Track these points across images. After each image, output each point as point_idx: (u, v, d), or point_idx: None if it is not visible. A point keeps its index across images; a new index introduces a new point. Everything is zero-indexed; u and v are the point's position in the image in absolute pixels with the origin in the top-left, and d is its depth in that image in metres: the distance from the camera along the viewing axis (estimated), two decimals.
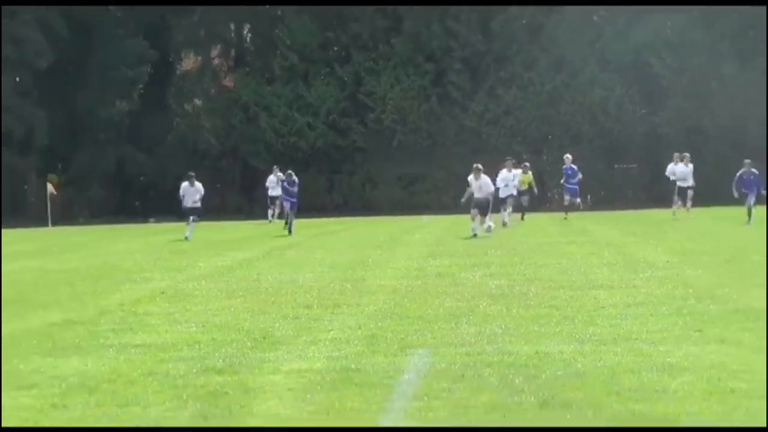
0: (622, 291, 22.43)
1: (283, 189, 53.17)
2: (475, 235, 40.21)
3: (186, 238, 46.02)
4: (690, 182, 54.18)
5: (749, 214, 46.07)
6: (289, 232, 48.92)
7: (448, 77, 78.39)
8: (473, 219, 41.58)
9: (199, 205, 49.11)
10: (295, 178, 51.79)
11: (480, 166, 42.62)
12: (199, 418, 11.60)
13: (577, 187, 58.02)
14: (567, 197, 58.31)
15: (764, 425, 7.42)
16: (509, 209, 50.99)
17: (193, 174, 50.46)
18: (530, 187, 56.84)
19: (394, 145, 77.77)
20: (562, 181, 60.30)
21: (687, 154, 55.47)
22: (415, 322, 18.53)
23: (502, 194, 49.92)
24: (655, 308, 19.51)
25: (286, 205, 51.65)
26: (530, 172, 57.31)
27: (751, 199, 47.75)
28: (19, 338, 17.96)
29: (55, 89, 79.76)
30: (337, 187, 77.63)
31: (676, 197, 54.33)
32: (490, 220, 42.11)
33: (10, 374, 14.49)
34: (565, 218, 54.71)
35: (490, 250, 34.21)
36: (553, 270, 27.53)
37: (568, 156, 59.53)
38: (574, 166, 58.25)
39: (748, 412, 11.15)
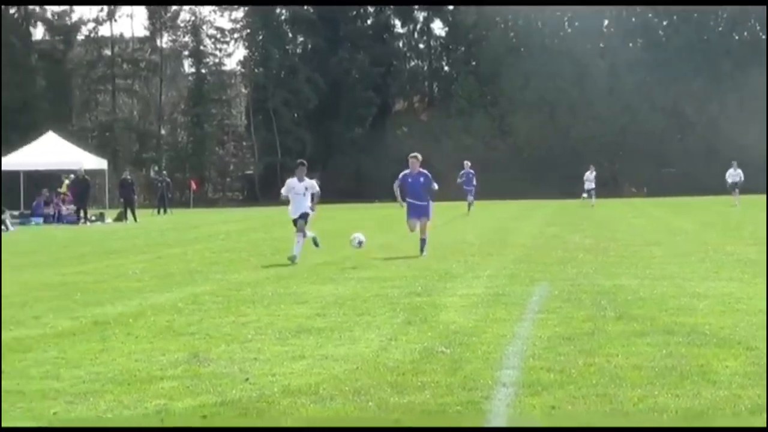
0: (666, 247, 22.03)
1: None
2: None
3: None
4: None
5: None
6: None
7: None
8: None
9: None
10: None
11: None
12: (406, 324, 11.60)
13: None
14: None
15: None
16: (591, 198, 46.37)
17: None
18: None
19: None
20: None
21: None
22: (539, 265, 18.36)
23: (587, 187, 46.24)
24: (688, 258, 19.11)
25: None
26: None
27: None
28: (296, 273, 18.22)
29: (317, 121, 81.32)
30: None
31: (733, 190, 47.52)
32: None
33: (290, 295, 14.70)
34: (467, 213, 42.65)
35: (584, 221, 33.78)
36: (623, 233, 27.13)
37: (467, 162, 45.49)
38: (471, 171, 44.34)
39: (749, 323, 10.84)
